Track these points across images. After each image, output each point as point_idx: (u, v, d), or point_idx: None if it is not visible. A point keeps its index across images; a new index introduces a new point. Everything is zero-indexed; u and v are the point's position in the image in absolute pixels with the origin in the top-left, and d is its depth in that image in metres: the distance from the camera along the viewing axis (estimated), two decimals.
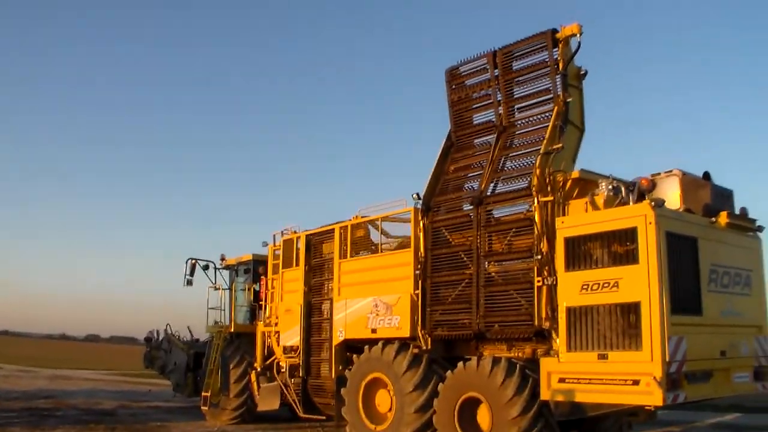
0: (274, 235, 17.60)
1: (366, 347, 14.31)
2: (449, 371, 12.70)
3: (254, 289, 19.39)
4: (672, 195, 11.68)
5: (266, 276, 18.19)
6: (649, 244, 10.26)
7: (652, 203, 10.48)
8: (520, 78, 13.12)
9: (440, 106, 14.29)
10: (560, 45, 12.50)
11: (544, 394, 11.23)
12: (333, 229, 15.79)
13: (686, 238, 10.85)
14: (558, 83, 12.49)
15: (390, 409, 13.73)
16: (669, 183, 11.82)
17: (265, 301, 17.75)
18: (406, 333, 13.54)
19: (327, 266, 15.95)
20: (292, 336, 16.37)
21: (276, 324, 17.03)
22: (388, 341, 13.96)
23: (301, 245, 16.61)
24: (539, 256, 11.53)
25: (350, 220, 15.43)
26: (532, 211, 11.87)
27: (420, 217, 13.70)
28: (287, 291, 16.87)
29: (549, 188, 11.86)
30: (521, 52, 13.09)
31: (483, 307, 12.35)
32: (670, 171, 11.93)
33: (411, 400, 13.13)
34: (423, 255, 13.51)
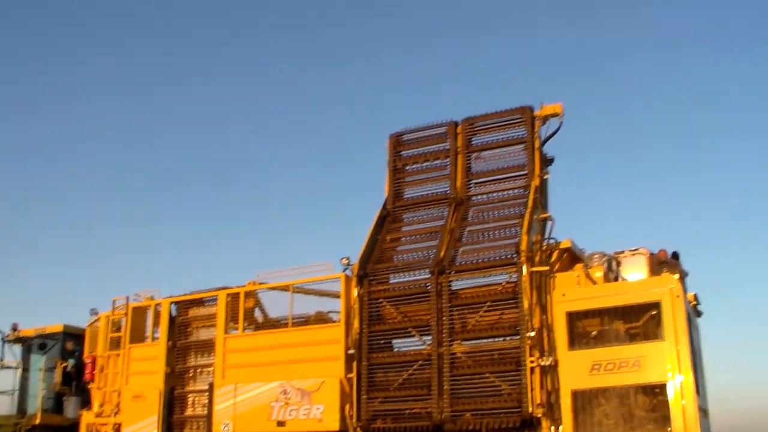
0: (114, 301, 14.11)
1: None
2: None
3: (65, 369, 15.41)
4: (640, 274, 11.06)
5: (83, 352, 14.60)
6: (677, 320, 9.43)
7: (676, 276, 9.73)
8: (486, 151, 12.16)
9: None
10: (537, 123, 11.80)
11: None
12: (215, 297, 12.97)
13: (689, 316, 10.20)
14: (534, 160, 11.64)
15: None
16: (635, 261, 11.17)
17: (96, 384, 13.99)
18: (333, 426, 11.11)
19: (202, 343, 12.98)
20: (144, 430, 12.90)
21: (116, 414, 13.39)
22: None
23: (163, 315, 13.41)
24: (532, 333, 10.08)
25: (243, 286, 12.78)
26: (513, 282, 10.47)
27: (354, 286, 11.60)
28: (136, 372, 13.42)
29: (539, 258, 10.62)
30: (490, 125, 12.22)
31: (448, 393, 10.50)
32: (636, 249, 11.33)
33: None
34: (357, 331, 11.36)
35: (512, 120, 12.02)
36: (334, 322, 12.20)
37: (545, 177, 11.73)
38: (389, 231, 12.27)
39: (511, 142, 11.97)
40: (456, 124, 12.45)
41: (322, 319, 12.45)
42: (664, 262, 10.32)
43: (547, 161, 12.01)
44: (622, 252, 11.20)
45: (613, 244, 11.52)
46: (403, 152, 12.82)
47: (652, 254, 11.19)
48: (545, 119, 11.79)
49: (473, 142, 12.28)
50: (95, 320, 14.73)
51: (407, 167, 12.73)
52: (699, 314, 11.95)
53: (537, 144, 11.70)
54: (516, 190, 11.70)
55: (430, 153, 12.59)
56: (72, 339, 15.79)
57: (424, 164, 12.60)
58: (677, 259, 11.70)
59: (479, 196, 12.05)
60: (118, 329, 14.10)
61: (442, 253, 11.23)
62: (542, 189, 11.74)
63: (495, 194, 11.91)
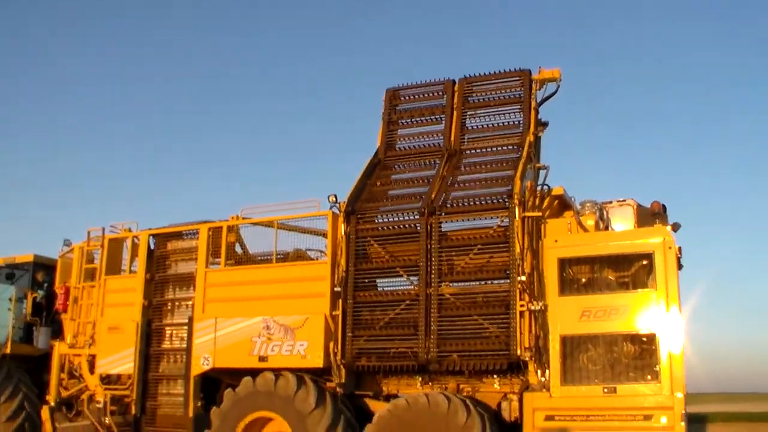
0: (89, 232, 13.76)
1: (248, 379, 11.47)
2: (387, 409, 10.61)
3: (35, 299, 15.06)
4: (626, 225, 11.14)
5: (54, 283, 14.33)
6: (668, 270, 9.57)
7: (669, 227, 9.82)
8: (482, 109, 12.20)
9: None
10: (535, 86, 11.84)
11: None
12: (195, 230, 12.74)
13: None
14: (529, 118, 11.67)
15: None
16: (623, 212, 11.26)
17: (69, 315, 13.72)
18: (317, 362, 11.11)
19: (181, 276, 12.77)
20: (120, 362, 12.73)
21: (90, 345, 13.19)
22: (278, 372, 11.36)
23: (141, 247, 13.14)
24: (523, 278, 10.10)
25: (226, 220, 12.56)
26: (504, 226, 10.45)
27: (341, 223, 11.47)
28: (111, 304, 13.19)
29: (532, 203, 10.61)
30: (487, 85, 12.28)
31: (435, 334, 10.53)
32: (624, 200, 11.41)
33: None
34: (344, 268, 11.27)
35: (510, 81, 12.08)
36: (312, 259, 12.15)
37: (539, 135, 11.78)
38: (379, 177, 12.17)
39: (508, 101, 12.03)
40: (454, 83, 12.48)
41: (300, 256, 12.34)
42: (657, 214, 10.38)
43: (541, 124, 12.04)
44: (610, 202, 11.28)
45: (600, 195, 11.54)
46: (399, 106, 12.82)
47: (639, 206, 11.27)
48: (542, 83, 11.88)
49: (470, 100, 12.31)
50: (68, 251, 14.40)
51: (402, 120, 12.72)
52: (680, 267, 12.15)
53: (533, 104, 11.74)
54: (510, 146, 11.71)
55: (426, 108, 12.60)
56: (42, 269, 15.39)
57: (420, 118, 12.59)
58: (665, 212, 11.83)
59: (473, 150, 12.04)
60: (91, 261, 13.81)
61: (433, 195, 11.15)
62: (536, 146, 11.77)
63: (489, 149, 11.92)
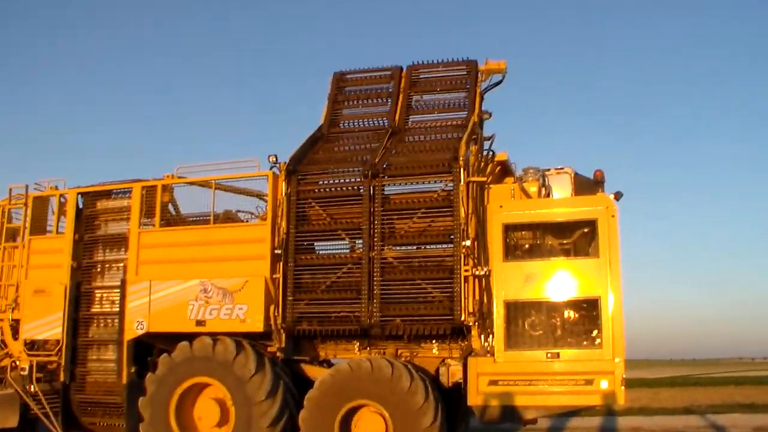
0: (11, 189, 13.05)
1: (185, 344, 11.17)
2: (329, 374, 10.51)
3: None
4: (563, 192, 11.21)
5: None
6: (611, 238, 9.67)
7: (612, 195, 9.92)
8: (428, 95, 12.18)
9: None
10: (481, 76, 11.83)
11: (473, 400, 9.86)
12: (127, 189, 12.21)
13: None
14: (474, 102, 11.65)
15: (220, 424, 10.96)
16: (560, 180, 11.29)
17: None
18: (257, 327, 10.88)
19: (112, 237, 12.26)
20: (48, 327, 12.16)
21: (13, 310, 12.58)
22: (215, 337, 11.11)
23: (69, 206, 12.53)
24: (467, 243, 10.06)
25: (161, 179, 12.08)
26: (448, 190, 10.37)
27: (282, 183, 11.17)
28: (37, 266, 12.54)
29: (476, 168, 10.55)
30: (434, 73, 12.26)
31: (378, 298, 10.43)
32: (562, 168, 11.45)
33: (262, 411, 10.55)
34: (285, 230, 11.01)
35: (456, 69, 12.07)
36: (242, 221, 11.97)
37: (484, 118, 11.70)
38: (322, 148, 11.88)
39: (454, 88, 12.02)
40: (401, 70, 12.38)
41: (230, 218, 12.04)
42: (599, 182, 10.45)
43: (485, 113, 11.96)
44: (548, 170, 11.30)
45: (540, 163, 11.62)
46: (345, 88, 12.62)
47: (577, 174, 11.35)
48: (488, 74, 11.90)
49: (417, 85, 12.26)
50: None
51: (348, 101, 12.53)
52: None
53: (478, 92, 11.74)
54: (454, 125, 11.64)
55: (373, 91, 12.45)
56: None
57: (366, 100, 12.43)
58: (603, 182, 11.95)
59: (418, 129, 11.97)
60: (11, 220, 13.14)
61: (377, 159, 10.98)
62: (480, 127, 11.69)
63: (434, 127, 11.89)
